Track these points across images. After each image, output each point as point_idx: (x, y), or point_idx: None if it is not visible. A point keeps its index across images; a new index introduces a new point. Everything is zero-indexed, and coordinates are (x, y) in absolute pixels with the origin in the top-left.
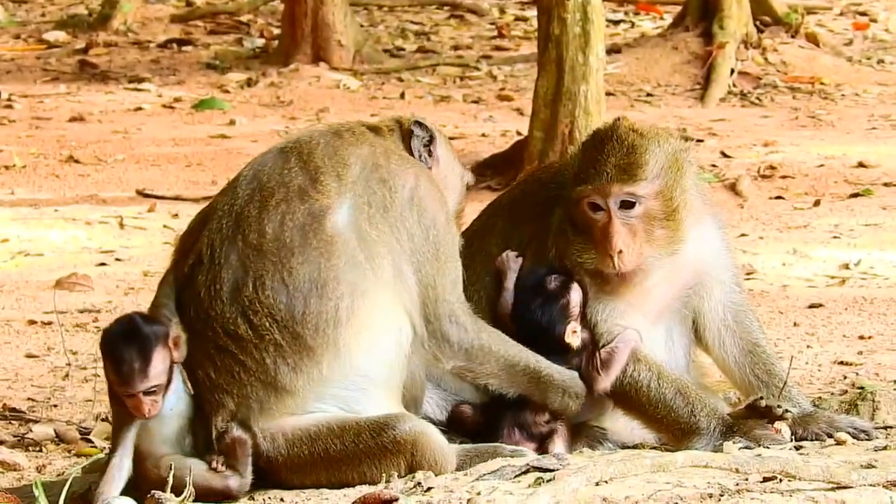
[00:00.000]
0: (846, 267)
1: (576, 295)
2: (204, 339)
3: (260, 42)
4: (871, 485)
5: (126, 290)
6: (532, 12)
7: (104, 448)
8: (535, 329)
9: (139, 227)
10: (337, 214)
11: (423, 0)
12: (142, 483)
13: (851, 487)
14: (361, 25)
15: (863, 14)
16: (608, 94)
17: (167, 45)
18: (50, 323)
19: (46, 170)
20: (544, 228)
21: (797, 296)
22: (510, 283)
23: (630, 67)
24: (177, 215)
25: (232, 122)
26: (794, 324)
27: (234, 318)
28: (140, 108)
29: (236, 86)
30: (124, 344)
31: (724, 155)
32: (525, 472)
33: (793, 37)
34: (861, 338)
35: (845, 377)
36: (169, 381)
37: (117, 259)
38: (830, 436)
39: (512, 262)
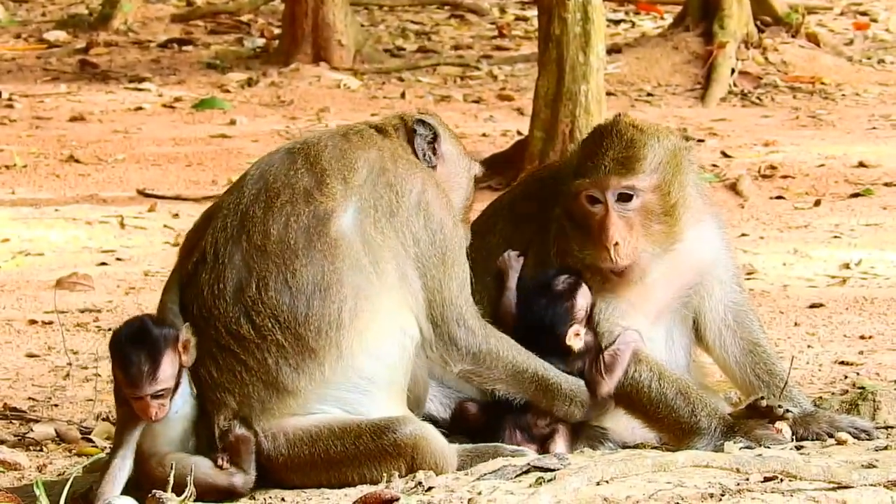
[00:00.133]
0: (847, 267)
1: (582, 298)
2: (206, 338)
3: (260, 42)
4: (872, 485)
5: (127, 290)
6: (532, 12)
7: (105, 448)
8: (537, 329)
9: (140, 227)
10: (341, 218)
11: (423, 0)
12: (145, 482)
13: (852, 487)
14: (362, 25)
15: (863, 14)
16: (609, 93)
17: (168, 44)
18: (51, 322)
19: (47, 169)
20: (545, 228)
21: (798, 296)
22: (512, 282)
23: (630, 67)
24: (177, 215)
25: (232, 122)
26: (795, 324)
27: (236, 318)
28: (140, 108)
29: (237, 85)
30: (134, 346)
31: (725, 155)
32: (526, 472)
33: (793, 37)
34: (862, 338)
35: (846, 377)
36: (177, 384)
37: (118, 259)
38: (831, 436)
39: (513, 262)
